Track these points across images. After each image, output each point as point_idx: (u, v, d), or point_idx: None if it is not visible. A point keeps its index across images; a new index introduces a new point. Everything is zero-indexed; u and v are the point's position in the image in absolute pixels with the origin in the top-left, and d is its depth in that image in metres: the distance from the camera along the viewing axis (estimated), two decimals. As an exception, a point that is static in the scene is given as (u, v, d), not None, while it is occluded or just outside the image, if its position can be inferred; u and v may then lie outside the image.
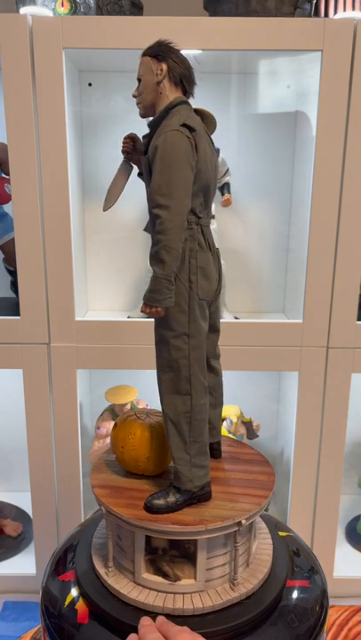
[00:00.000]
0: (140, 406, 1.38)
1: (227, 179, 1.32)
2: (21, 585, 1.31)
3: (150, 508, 0.73)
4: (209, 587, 0.74)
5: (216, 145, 0.80)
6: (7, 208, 1.31)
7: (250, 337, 1.20)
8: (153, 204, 0.68)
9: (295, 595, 0.77)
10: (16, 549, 1.39)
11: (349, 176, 1.11)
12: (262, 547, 0.82)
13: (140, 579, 0.75)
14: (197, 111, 0.75)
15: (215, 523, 0.70)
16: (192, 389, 0.73)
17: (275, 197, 1.39)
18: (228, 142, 1.34)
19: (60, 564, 0.84)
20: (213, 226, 0.82)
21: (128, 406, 1.33)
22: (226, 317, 1.31)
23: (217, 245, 0.78)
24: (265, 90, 1.34)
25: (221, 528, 0.71)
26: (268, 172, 1.37)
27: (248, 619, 0.71)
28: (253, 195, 1.38)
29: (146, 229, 1.25)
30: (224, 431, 1.31)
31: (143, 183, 0.75)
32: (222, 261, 0.80)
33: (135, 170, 0.80)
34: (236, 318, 1.33)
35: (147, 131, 0.74)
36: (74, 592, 0.77)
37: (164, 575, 0.74)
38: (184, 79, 0.72)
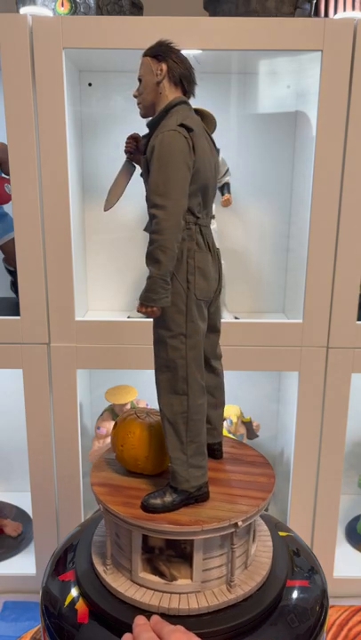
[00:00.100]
0: (140, 406, 1.38)
1: (227, 179, 1.32)
2: (21, 585, 1.31)
3: (147, 508, 0.73)
4: (205, 587, 0.74)
5: (216, 145, 0.80)
6: (7, 208, 1.31)
7: (250, 337, 1.20)
8: (149, 203, 0.68)
9: (295, 595, 0.77)
10: (16, 549, 1.39)
11: (349, 176, 1.11)
12: (262, 549, 0.82)
13: (136, 577, 0.75)
14: (197, 111, 0.75)
15: (211, 524, 0.70)
16: (189, 389, 0.73)
17: (275, 197, 1.39)
18: (228, 142, 1.34)
19: (60, 564, 0.84)
20: (213, 226, 0.81)
21: (128, 406, 1.33)
22: (226, 317, 1.31)
23: (217, 245, 0.78)
24: (265, 90, 1.34)
25: (217, 529, 0.71)
26: (268, 172, 1.37)
27: (248, 619, 0.71)
28: (253, 195, 1.38)
29: (146, 229, 1.25)
30: (224, 431, 1.31)
31: (143, 183, 0.75)
32: (222, 261, 0.80)
33: (138, 170, 0.80)
34: (236, 318, 1.33)
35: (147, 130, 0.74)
36: (74, 592, 0.77)
37: (161, 575, 0.74)
38: (184, 79, 0.73)
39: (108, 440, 1.32)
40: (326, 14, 1.20)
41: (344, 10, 1.19)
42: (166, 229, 0.67)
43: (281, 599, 0.76)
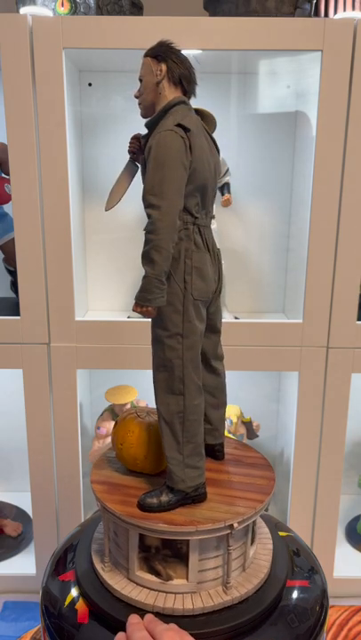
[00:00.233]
0: (140, 406, 1.38)
1: (227, 179, 1.32)
2: (21, 585, 1.31)
3: (143, 506, 0.73)
4: (201, 588, 0.74)
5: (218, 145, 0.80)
6: (7, 208, 1.31)
7: (250, 337, 1.20)
8: (145, 203, 0.68)
9: (295, 595, 0.77)
10: (16, 549, 1.39)
11: (349, 176, 1.11)
12: (262, 552, 0.81)
13: (133, 576, 0.75)
14: (197, 111, 0.75)
15: (206, 524, 0.70)
16: (185, 389, 0.72)
17: (275, 197, 1.39)
18: (228, 142, 1.34)
19: (60, 564, 0.84)
20: (213, 226, 0.81)
21: (128, 406, 1.33)
22: (226, 317, 1.31)
23: (218, 246, 0.77)
24: (265, 90, 1.34)
25: (212, 530, 0.70)
26: (268, 172, 1.37)
27: (248, 619, 0.71)
28: (253, 195, 1.38)
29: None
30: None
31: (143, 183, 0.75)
32: (222, 261, 0.80)
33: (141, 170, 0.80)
34: (236, 318, 1.33)
35: None
36: (74, 592, 0.77)
37: (157, 574, 0.74)
38: (184, 79, 0.73)
39: (108, 440, 1.32)
40: (326, 14, 1.20)
41: (344, 10, 1.19)
42: (161, 229, 0.67)
43: (281, 599, 0.75)
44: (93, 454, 1.33)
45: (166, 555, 0.75)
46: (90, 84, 1.31)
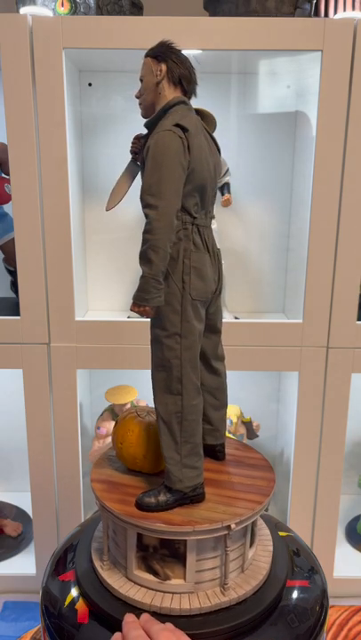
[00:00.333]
0: (140, 405, 1.38)
1: (227, 179, 1.32)
2: (21, 585, 1.31)
3: (141, 506, 0.73)
4: (199, 589, 0.74)
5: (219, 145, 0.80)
6: (7, 208, 1.31)
7: (250, 337, 1.20)
8: (143, 203, 0.68)
9: (295, 595, 0.77)
10: (16, 549, 1.39)
11: (349, 176, 1.11)
12: (262, 553, 0.81)
13: (131, 575, 0.75)
14: (197, 111, 0.75)
15: (203, 525, 0.70)
16: (183, 389, 0.72)
17: (275, 197, 1.39)
18: (228, 142, 1.34)
19: (60, 563, 0.84)
20: (214, 226, 0.81)
21: (128, 406, 1.33)
22: (226, 317, 1.31)
23: (218, 246, 0.77)
24: (265, 90, 1.34)
25: (210, 530, 0.70)
26: (268, 172, 1.37)
27: (247, 619, 0.71)
28: (253, 195, 1.38)
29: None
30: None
31: (143, 183, 0.75)
32: (222, 261, 0.80)
33: None
34: (236, 318, 1.33)
35: None
36: (74, 592, 0.77)
37: (155, 573, 0.74)
38: (183, 79, 0.72)
39: (108, 440, 1.32)
40: (326, 14, 1.20)
41: (344, 10, 1.19)
42: (158, 229, 0.67)
43: (281, 599, 0.75)
44: (93, 454, 1.33)
45: (164, 554, 0.75)
46: (90, 84, 1.31)
